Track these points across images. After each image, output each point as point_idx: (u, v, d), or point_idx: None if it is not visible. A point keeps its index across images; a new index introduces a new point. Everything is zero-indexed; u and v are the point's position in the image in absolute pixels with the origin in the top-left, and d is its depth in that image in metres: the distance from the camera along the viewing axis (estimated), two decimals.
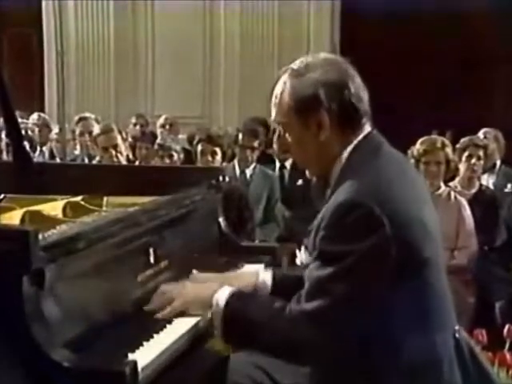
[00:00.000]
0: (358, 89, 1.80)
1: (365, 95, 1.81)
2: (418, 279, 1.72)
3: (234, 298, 1.81)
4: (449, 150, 4.04)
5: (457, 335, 1.79)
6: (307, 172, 1.95)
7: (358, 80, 1.81)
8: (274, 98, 1.85)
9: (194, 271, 2.14)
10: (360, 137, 1.80)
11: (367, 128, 1.82)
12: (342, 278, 1.64)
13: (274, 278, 2.05)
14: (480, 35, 8.69)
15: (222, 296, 1.81)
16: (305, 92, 1.78)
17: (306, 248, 1.80)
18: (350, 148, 1.79)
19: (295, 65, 1.84)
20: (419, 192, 1.84)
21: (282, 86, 1.83)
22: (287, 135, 1.85)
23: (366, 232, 1.63)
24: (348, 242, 1.64)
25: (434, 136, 4.47)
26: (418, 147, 3.99)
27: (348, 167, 1.78)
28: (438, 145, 3.99)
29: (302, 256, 1.84)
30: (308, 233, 1.77)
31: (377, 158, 1.78)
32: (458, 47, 8.78)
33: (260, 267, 2.25)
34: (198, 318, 1.92)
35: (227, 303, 1.79)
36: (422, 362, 1.72)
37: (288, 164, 5.41)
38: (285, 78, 1.83)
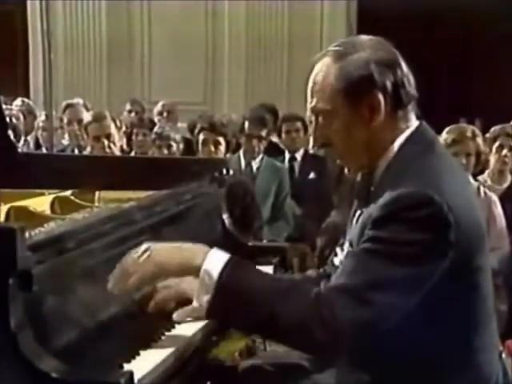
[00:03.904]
0: (408, 71, 1.81)
1: (412, 80, 1.82)
2: (467, 287, 1.73)
3: (230, 267, 1.70)
4: (480, 140, 4.01)
5: (503, 355, 1.82)
6: (348, 169, 1.92)
7: (404, 64, 1.82)
8: (312, 86, 1.83)
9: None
10: (412, 128, 1.81)
11: (414, 116, 1.83)
12: (392, 263, 1.63)
13: None
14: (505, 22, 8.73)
15: (214, 263, 1.69)
16: (356, 72, 1.76)
17: (351, 245, 1.78)
18: (401, 139, 1.79)
19: (336, 47, 1.82)
20: (471, 190, 1.89)
21: (325, 71, 1.80)
22: (330, 125, 1.81)
23: (432, 228, 1.65)
24: (409, 232, 1.64)
25: (463, 124, 4.45)
26: (445, 136, 3.96)
27: (400, 160, 1.77)
28: (468, 134, 3.97)
29: (344, 255, 1.82)
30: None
31: (433, 153, 1.79)
32: (480, 34, 8.82)
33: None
34: (200, 326, 1.92)
35: (222, 273, 1.67)
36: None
37: (298, 155, 5.42)
38: (325, 62, 1.81)
